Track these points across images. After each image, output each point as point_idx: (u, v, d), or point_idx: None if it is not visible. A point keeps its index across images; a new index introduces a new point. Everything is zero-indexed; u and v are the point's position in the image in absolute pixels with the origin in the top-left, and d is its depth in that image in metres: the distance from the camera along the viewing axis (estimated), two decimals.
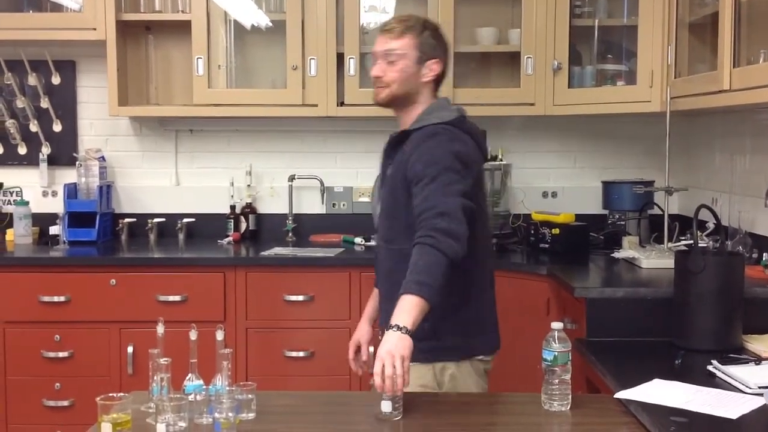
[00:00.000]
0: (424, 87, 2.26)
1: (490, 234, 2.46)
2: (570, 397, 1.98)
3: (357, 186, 3.97)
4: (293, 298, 3.38)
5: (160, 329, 2.14)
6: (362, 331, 2.39)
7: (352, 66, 3.62)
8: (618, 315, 2.55)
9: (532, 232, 3.55)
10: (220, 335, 2.06)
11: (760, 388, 1.92)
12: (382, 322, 2.28)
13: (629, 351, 2.36)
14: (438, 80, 2.30)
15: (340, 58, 3.63)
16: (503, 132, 3.91)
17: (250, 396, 2.01)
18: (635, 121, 3.89)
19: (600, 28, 3.66)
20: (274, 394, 2.26)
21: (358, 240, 3.74)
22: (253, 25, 3.77)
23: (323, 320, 3.39)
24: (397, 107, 2.28)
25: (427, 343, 2.13)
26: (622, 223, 3.62)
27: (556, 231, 3.45)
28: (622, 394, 1.94)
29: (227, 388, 1.95)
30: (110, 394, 1.89)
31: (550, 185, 4.00)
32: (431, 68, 2.25)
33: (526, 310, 3.21)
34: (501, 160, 3.70)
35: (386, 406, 1.88)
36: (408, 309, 1.94)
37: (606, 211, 3.74)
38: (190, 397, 2.00)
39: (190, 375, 2.09)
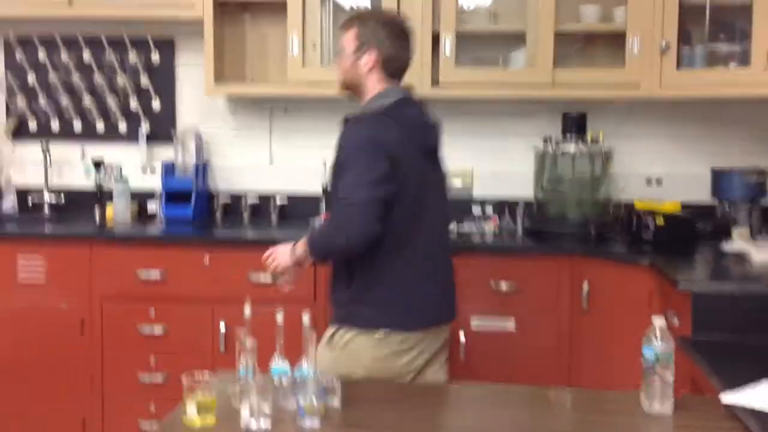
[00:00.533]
0: (366, 77, 2.48)
1: (426, 218, 2.48)
2: (672, 398, 1.86)
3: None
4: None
5: (247, 311, 2.12)
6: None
7: (447, 45, 3.53)
8: (726, 311, 2.42)
9: (634, 221, 3.39)
10: (306, 319, 2.03)
11: None
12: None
13: (737, 350, 2.24)
14: (388, 68, 2.48)
15: (435, 38, 3.54)
16: (605, 115, 3.75)
17: (335, 381, 1.97)
18: (745, 105, 3.68)
19: (712, 6, 3.45)
20: (362, 380, 2.22)
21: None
22: (350, 6, 3.72)
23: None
24: (353, 96, 2.57)
25: (340, 310, 2.49)
26: (732, 213, 3.42)
27: (660, 221, 3.28)
28: (729, 397, 1.82)
29: (312, 372, 1.93)
30: (196, 373, 1.89)
31: (655, 171, 3.82)
32: (367, 58, 2.46)
33: (627, 303, 3.08)
34: (601, 144, 3.55)
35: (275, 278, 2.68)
36: (303, 242, 2.52)
37: (714, 200, 3.55)
38: (275, 381, 1.99)
39: (276, 358, 2.07)
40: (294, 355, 1.97)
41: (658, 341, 1.88)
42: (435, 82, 3.57)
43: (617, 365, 3.11)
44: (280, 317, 2.06)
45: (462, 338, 3.27)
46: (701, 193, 3.64)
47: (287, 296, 3.30)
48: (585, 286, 3.20)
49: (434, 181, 2.55)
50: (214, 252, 3.41)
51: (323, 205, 3.86)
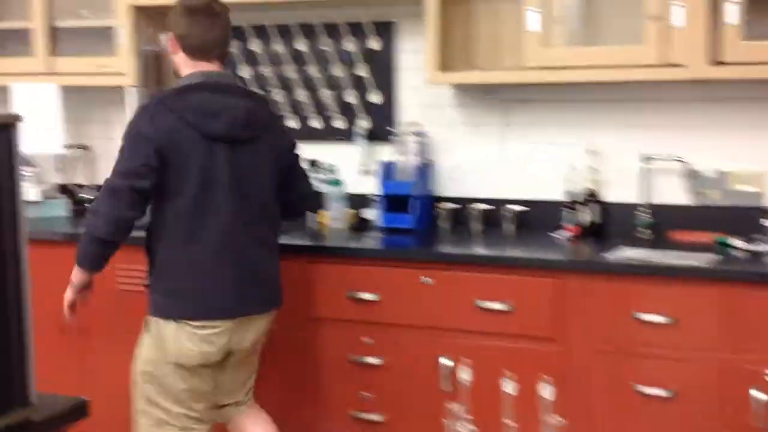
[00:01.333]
0: (175, 61, 2.62)
1: (215, 213, 2.50)
2: None
3: (733, 170, 3.07)
4: (647, 317, 2.63)
5: (465, 374, 1.58)
6: None
7: (734, 12, 2.74)
8: None
9: None
10: (547, 392, 1.48)
11: None
12: None
13: None
14: (187, 49, 2.57)
15: (716, 2, 2.77)
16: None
17: None
18: None
19: None
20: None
21: (735, 242, 2.86)
22: None
23: (688, 350, 2.61)
24: None
25: (149, 298, 2.59)
26: None
27: None
28: None
29: None
30: None
31: None
32: (169, 41, 2.61)
33: None
34: None
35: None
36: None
37: None
38: None
39: None
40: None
41: None
42: (715, 60, 2.80)
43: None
44: (509, 386, 1.52)
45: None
46: None
47: (522, 326, 2.74)
48: None
49: (232, 173, 2.49)
50: (433, 270, 2.88)
51: (568, 215, 3.20)
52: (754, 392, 2.49)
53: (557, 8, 3.01)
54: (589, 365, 2.67)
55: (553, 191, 3.27)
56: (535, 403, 1.55)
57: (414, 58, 3.43)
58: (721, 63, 2.78)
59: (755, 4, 2.75)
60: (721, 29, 2.77)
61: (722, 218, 3.02)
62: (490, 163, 3.42)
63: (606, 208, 3.20)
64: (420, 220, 3.32)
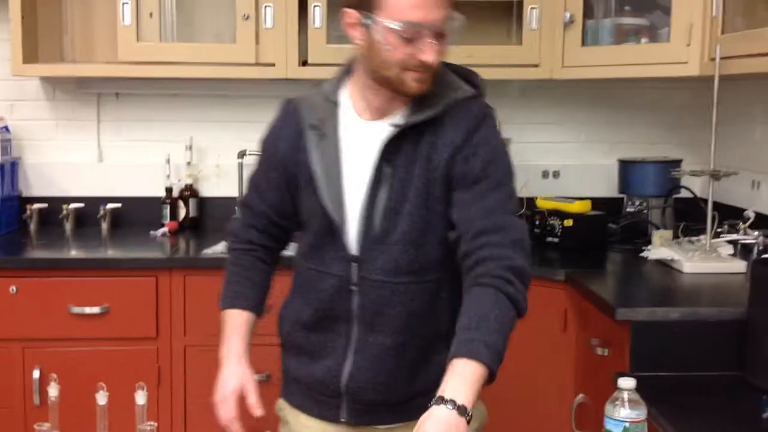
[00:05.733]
0: None
1: None
2: None
3: None
4: None
5: (53, 392, 1.49)
6: (244, 374, 1.69)
7: (317, 15, 2.93)
8: (671, 342, 2.02)
9: (538, 222, 2.92)
10: (141, 398, 1.45)
11: None
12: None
13: (692, 394, 1.84)
14: None
15: (303, 6, 2.94)
16: (500, 99, 3.25)
17: None
18: (654, 87, 3.29)
19: None
20: None
21: None
22: None
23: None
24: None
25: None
26: (645, 211, 3.01)
27: (568, 222, 2.83)
28: None
29: None
30: None
31: (552, 163, 3.37)
32: None
33: (536, 325, 2.58)
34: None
35: None
36: (470, 380, 1.39)
37: (622, 196, 3.13)
38: None
39: None
40: None
41: (626, 409, 1.41)
42: (303, 61, 2.97)
43: (527, 400, 2.63)
44: (102, 397, 1.47)
45: None
46: (603, 188, 3.23)
47: (122, 329, 2.67)
48: None
49: None
50: (21, 279, 2.68)
51: (167, 211, 3.18)
52: None
53: (151, 4, 2.98)
54: (188, 361, 2.70)
55: (151, 187, 3.25)
56: (130, 410, 1.51)
57: None
58: (306, 63, 2.96)
59: (334, 7, 2.97)
60: (306, 32, 2.95)
61: None
62: (84, 160, 3.29)
63: (204, 202, 3.26)
64: (5, 223, 3.09)
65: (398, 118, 1.61)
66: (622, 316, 2.03)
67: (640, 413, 1.42)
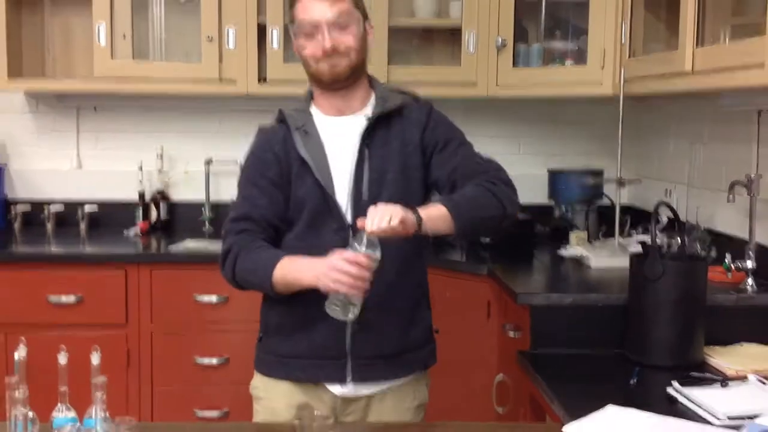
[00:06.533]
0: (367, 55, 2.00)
1: None
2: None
3: None
4: (206, 298, 3.01)
5: (21, 352, 1.77)
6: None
7: (275, 38, 3.25)
8: (565, 324, 2.27)
9: None
10: (95, 359, 1.71)
11: (730, 419, 1.65)
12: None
13: (578, 366, 2.09)
14: None
15: (262, 29, 3.25)
16: (445, 113, 3.57)
17: None
18: (584, 104, 3.61)
19: (548, 2, 3.35)
20: (162, 427, 1.92)
21: None
22: None
23: (239, 322, 3.03)
24: (349, 82, 1.95)
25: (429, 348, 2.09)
26: (569, 215, 3.33)
27: None
28: (572, 428, 1.64)
29: (102, 424, 1.62)
30: None
31: None
32: (369, 30, 1.98)
33: (465, 314, 2.91)
34: None
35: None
36: (431, 211, 1.82)
37: (551, 202, 3.45)
38: None
39: (59, 406, 1.73)
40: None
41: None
42: (262, 78, 3.28)
43: (456, 381, 2.93)
44: (63, 357, 1.72)
45: None
46: (538, 195, 3.54)
47: (95, 316, 2.96)
48: None
49: None
50: (3, 271, 2.97)
51: (140, 213, 3.49)
52: None
53: (124, 25, 3.28)
54: (154, 345, 3.02)
55: (125, 192, 3.54)
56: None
57: None
58: (266, 80, 3.27)
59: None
60: (265, 52, 3.26)
61: None
62: (64, 166, 3.59)
63: (174, 205, 3.57)
64: None
65: (366, 113, 1.96)
66: (523, 300, 2.34)
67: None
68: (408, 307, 2.00)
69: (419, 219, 1.77)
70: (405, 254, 1.94)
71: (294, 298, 1.88)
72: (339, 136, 1.96)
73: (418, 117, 1.98)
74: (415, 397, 2.05)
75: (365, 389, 1.97)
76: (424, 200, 1.96)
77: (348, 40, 1.90)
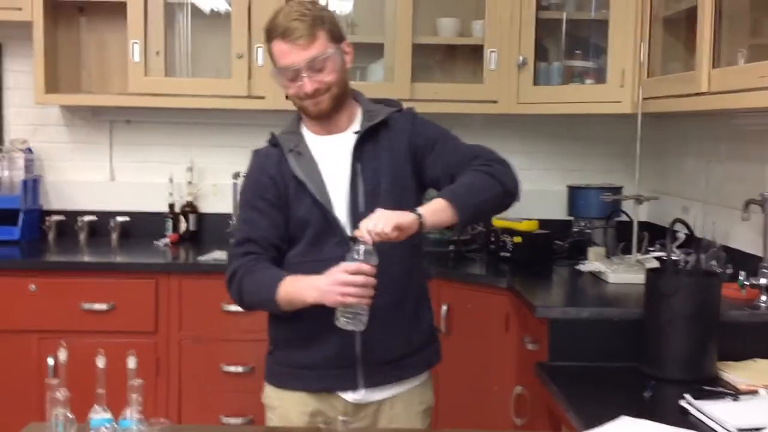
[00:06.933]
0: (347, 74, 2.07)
1: None
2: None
3: None
4: (232, 308, 3.10)
5: (62, 355, 1.87)
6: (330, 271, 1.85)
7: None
8: (582, 337, 2.33)
9: (492, 239, 3.31)
10: (131, 362, 1.80)
11: (740, 431, 1.70)
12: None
13: (594, 379, 2.14)
14: None
15: None
16: (464, 131, 3.64)
17: None
18: (604, 122, 3.67)
19: (568, 22, 3.43)
20: (192, 428, 2.01)
21: None
22: (196, 9, 3.49)
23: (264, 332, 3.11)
24: (334, 110, 2.02)
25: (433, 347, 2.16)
26: (588, 231, 3.39)
27: (518, 239, 3.21)
28: None
29: (137, 424, 1.71)
30: None
31: None
32: (347, 50, 2.03)
33: (485, 326, 2.97)
34: None
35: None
36: (432, 206, 1.89)
37: (571, 218, 3.52)
38: None
39: (95, 407, 1.82)
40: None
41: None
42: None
43: (475, 392, 3.00)
44: (101, 361, 1.82)
45: None
46: (558, 211, 3.60)
47: (126, 324, 3.05)
48: (443, 309, 3.08)
49: None
50: (39, 279, 3.09)
51: (170, 224, 3.59)
52: None
53: (157, 43, 3.38)
54: (182, 353, 3.11)
55: (156, 203, 3.65)
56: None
57: (23, 78, 3.60)
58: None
59: None
60: None
61: None
62: (98, 178, 3.70)
63: (202, 217, 3.67)
64: (27, 232, 3.49)
65: (354, 128, 2.03)
66: (541, 313, 2.40)
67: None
68: (412, 308, 2.07)
69: (419, 216, 1.84)
70: (406, 256, 2.02)
71: (300, 312, 1.94)
72: (330, 153, 2.02)
73: (403, 125, 2.05)
74: (422, 401, 2.12)
75: (376, 395, 2.04)
76: (419, 206, 1.97)
77: (328, 77, 1.95)
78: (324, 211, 1.97)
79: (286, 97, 2.04)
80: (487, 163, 1.97)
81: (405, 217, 1.82)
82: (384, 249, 1.85)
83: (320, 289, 1.83)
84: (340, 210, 1.99)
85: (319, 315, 1.89)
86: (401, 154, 2.03)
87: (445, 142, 2.05)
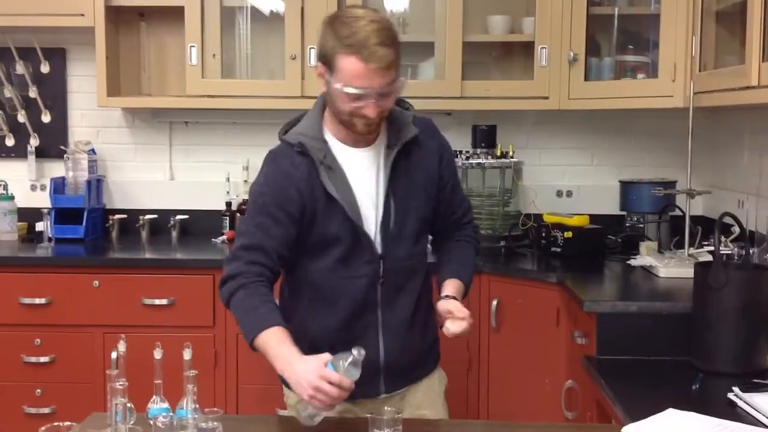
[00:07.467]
0: None
1: None
2: None
3: None
4: None
5: (121, 347, 1.95)
6: (316, 363, 1.76)
7: None
8: (631, 331, 2.34)
9: (543, 234, 3.32)
10: (187, 354, 1.87)
11: None
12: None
13: (642, 372, 2.16)
14: None
15: None
16: (515, 127, 3.68)
17: (215, 424, 1.82)
18: (656, 116, 3.65)
19: (620, 17, 3.42)
20: (247, 419, 2.07)
21: None
22: (252, 12, 3.57)
23: None
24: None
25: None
26: (641, 225, 3.38)
27: (568, 234, 3.22)
28: (632, 428, 1.73)
29: (193, 414, 1.77)
30: (56, 424, 1.71)
31: (565, 184, 3.77)
32: (404, 83, 1.98)
33: (535, 321, 2.99)
34: (512, 157, 3.47)
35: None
36: (456, 287, 2.07)
37: (624, 213, 3.51)
38: (152, 423, 1.83)
39: (154, 397, 1.90)
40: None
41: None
42: None
43: (526, 386, 3.02)
44: (158, 353, 1.90)
45: None
46: (611, 206, 3.60)
47: (185, 319, 3.15)
48: (494, 304, 3.11)
49: None
50: (102, 275, 3.20)
51: (227, 222, 3.69)
52: None
53: (214, 46, 3.48)
54: (240, 347, 3.18)
55: (213, 202, 3.74)
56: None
57: (86, 82, 3.73)
58: None
59: None
60: None
61: None
62: (158, 178, 3.82)
63: None
64: (91, 230, 3.62)
65: (381, 142, 1.99)
66: (589, 307, 2.42)
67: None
68: (423, 316, 2.11)
69: (454, 299, 2.01)
70: (420, 275, 2.09)
71: (338, 313, 2.00)
72: (361, 167, 1.98)
73: (431, 145, 2.06)
74: (441, 382, 2.20)
75: (399, 391, 2.10)
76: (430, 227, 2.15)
77: (389, 104, 1.91)
78: (355, 227, 1.95)
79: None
80: (474, 235, 2.21)
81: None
82: (405, 270, 2.02)
83: (295, 374, 1.76)
84: (370, 227, 1.98)
85: (343, 329, 1.97)
86: (431, 176, 2.05)
87: (456, 187, 2.16)
